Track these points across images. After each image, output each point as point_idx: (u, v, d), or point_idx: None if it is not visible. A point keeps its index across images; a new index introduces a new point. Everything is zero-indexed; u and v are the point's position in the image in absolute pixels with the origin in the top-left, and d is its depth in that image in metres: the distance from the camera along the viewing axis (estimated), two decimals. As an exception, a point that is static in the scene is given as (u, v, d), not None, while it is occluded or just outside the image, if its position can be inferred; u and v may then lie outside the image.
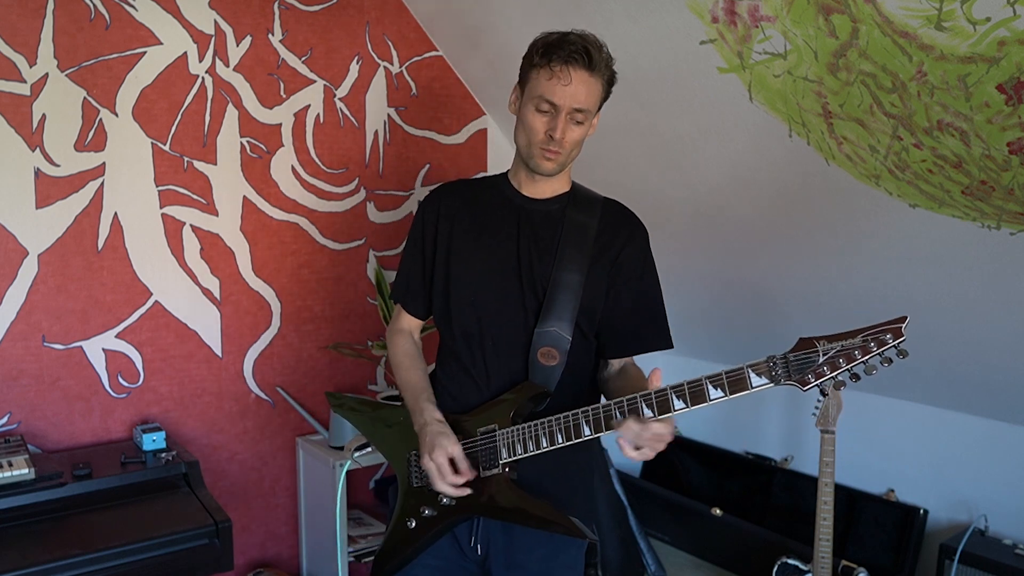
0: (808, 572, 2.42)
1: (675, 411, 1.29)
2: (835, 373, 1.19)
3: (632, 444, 1.32)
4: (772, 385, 1.24)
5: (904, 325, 1.17)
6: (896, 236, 2.09)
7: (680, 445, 3.33)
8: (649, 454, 1.32)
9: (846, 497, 2.73)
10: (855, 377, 1.20)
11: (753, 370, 1.24)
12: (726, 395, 1.26)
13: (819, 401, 2.41)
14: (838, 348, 1.19)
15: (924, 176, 1.84)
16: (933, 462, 2.63)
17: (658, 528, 3.02)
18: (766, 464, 3.03)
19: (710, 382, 1.27)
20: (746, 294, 2.75)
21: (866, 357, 1.18)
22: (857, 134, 1.86)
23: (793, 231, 2.34)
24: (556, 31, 1.45)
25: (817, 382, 1.21)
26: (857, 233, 2.17)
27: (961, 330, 2.23)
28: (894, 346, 1.17)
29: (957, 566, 2.30)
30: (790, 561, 2.47)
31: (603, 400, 1.60)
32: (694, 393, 1.28)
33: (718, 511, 2.84)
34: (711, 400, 1.26)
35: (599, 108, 1.50)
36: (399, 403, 1.69)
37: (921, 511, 2.58)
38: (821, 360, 1.20)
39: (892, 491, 2.70)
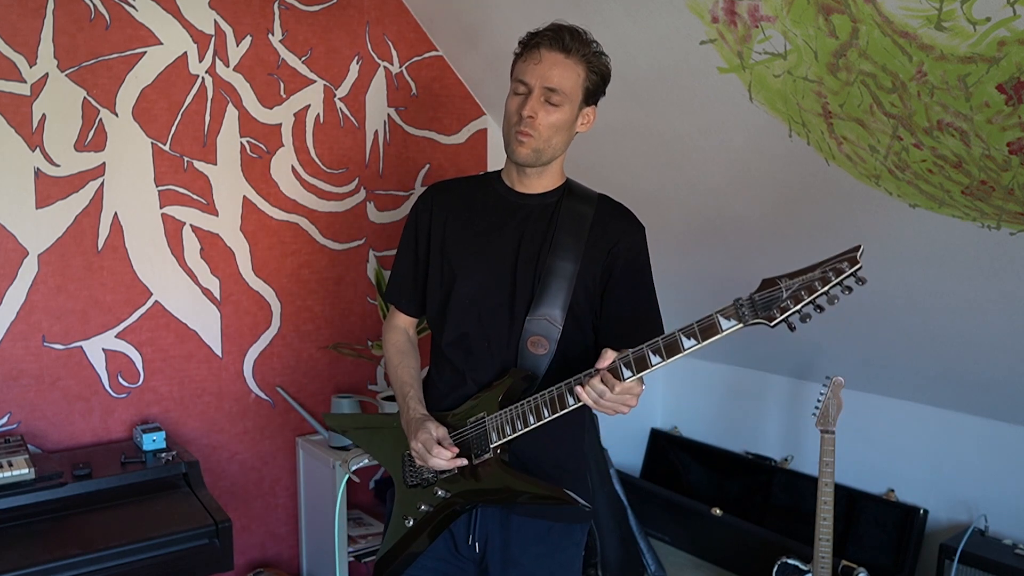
0: (808, 572, 2.42)
1: (652, 367, 1.31)
2: (799, 306, 1.22)
3: (599, 407, 1.35)
4: (741, 326, 1.27)
5: (859, 252, 1.20)
6: (896, 236, 2.09)
7: (680, 445, 3.33)
8: (623, 410, 1.35)
9: (846, 497, 2.73)
10: (819, 308, 1.23)
11: (721, 315, 1.27)
12: (699, 342, 1.28)
13: (819, 401, 2.41)
14: (800, 282, 1.22)
15: (924, 176, 1.84)
16: (933, 462, 2.63)
17: (658, 528, 3.02)
18: (766, 464, 3.03)
19: (682, 333, 1.29)
20: (746, 294, 2.74)
21: (827, 287, 1.20)
22: (857, 134, 1.86)
23: (793, 231, 2.34)
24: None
25: (783, 316, 1.23)
26: (857, 233, 2.17)
27: (961, 330, 2.23)
28: (852, 274, 1.19)
29: (957, 566, 2.30)
30: (790, 561, 2.47)
31: None
32: (668, 345, 1.29)
33: (718, 511, 2.84)
34: (685, 349, 1.28)
35: (586, 100, 1.49)
36: (396, 412, 1.69)
37: (921, 511, 2.58)
38: (785, 295, 1.23)
39: (892, 491, 2.70)
